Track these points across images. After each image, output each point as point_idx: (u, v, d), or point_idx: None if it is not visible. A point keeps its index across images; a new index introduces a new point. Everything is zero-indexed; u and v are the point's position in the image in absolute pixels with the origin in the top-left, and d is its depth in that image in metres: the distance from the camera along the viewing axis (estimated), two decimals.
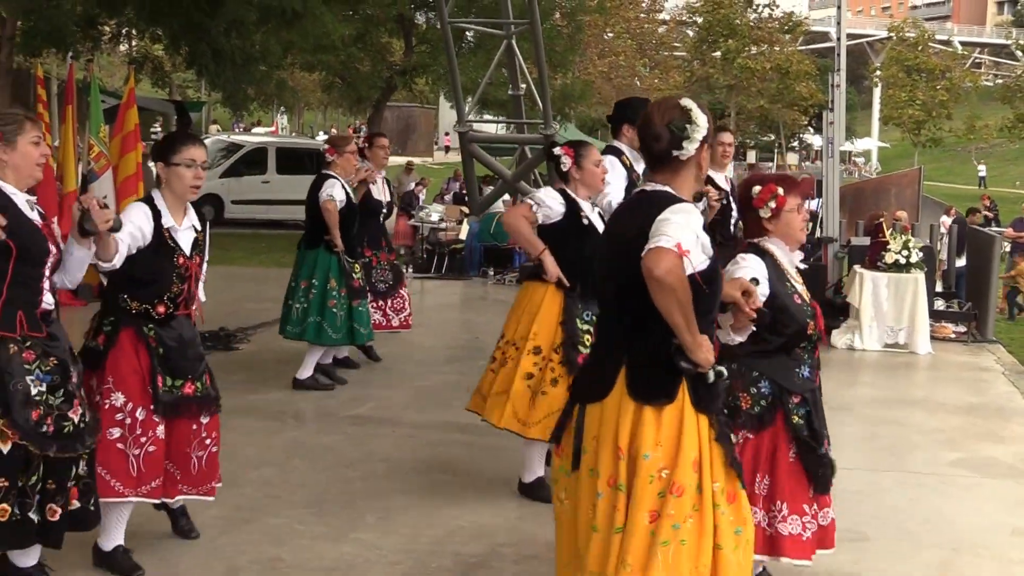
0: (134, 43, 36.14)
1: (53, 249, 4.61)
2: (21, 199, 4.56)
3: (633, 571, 3.60)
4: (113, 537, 5.19)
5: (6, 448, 4.34)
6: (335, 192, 8.79)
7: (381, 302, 9.67)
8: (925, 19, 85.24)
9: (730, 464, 3.78)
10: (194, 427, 5.25)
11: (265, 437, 7.62)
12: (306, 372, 9.09)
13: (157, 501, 5.27)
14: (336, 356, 9.66)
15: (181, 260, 5.20)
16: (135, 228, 5.02)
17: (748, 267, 4.59)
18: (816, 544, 4.82)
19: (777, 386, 4.69)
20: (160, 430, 5.10)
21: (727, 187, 8.48)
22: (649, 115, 3.84)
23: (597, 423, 3.77)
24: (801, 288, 4.81)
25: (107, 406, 5.03)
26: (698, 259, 3.66)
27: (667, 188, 3.84)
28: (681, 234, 3.58)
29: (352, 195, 8.98)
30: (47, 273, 4.59)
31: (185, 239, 5.26)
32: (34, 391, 4.40)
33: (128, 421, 5.04)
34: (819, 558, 5.73)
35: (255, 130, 52.56)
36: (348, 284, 8.89)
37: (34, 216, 4.58)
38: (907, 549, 5.99)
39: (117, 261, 4.89)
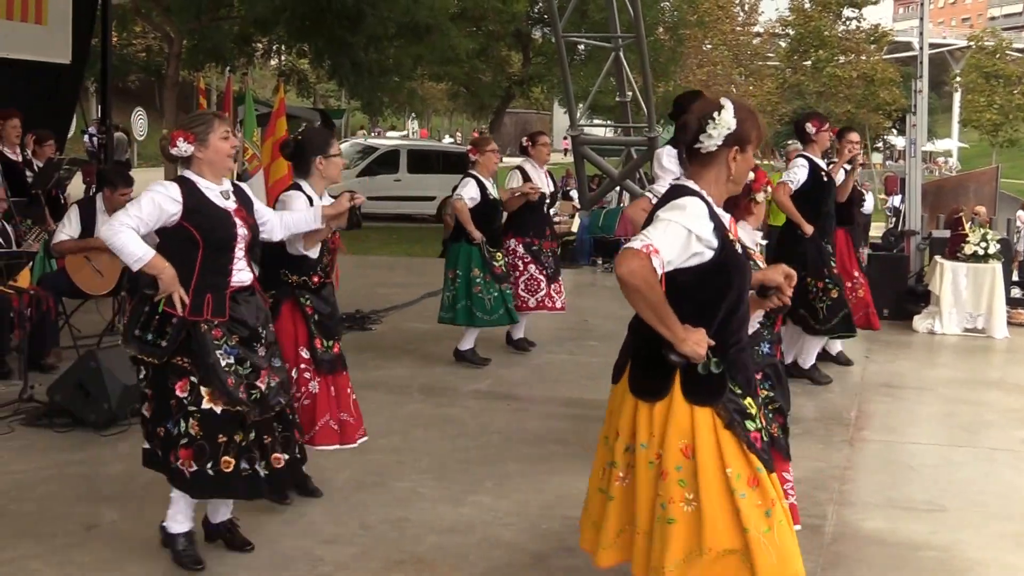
0: (283, 58, 36.75)
1: (243, 232, 4.65)
2: (215, 191, 4.61)
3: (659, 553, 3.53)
4: None
5: (219, 409, 4.48)
6: (466, 192, 8.76)
7: (554, 285, 9.56)
8: (1003, 29, 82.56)
9: (748, 449, 3.50)
10: (344, 376, 5.55)
11: (392, 408, 7.65)
12: (467, 345, 9.12)
13: (327, 447, 5.49)
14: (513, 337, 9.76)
15: (329, 235, 5.42)
16: (306, 215, 5.20)
17: None
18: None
19: None
20: (313, 386, 5.36)
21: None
22: (693, 108, 3.62)
23: (613, 402, 3.77)
24: (763, 265, 4.56)
25: None
26: (682, 256, 3.40)
27: (690, 183, 3.57)
28: (659, 234, 3.36)
29: (492, 191, 8.94)
30: (238, 255, 4.65)
31: None
32: (223, 363, 4.50)
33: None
34: (897, 526, 5.58)
35: (388, 134, 53.06)
36: (491, 271, 8.86)
37: (228, 204, 4.64)
38: (982, 520, 5.77)
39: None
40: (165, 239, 4.51)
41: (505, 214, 9.38)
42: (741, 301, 3.61)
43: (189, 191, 4.51)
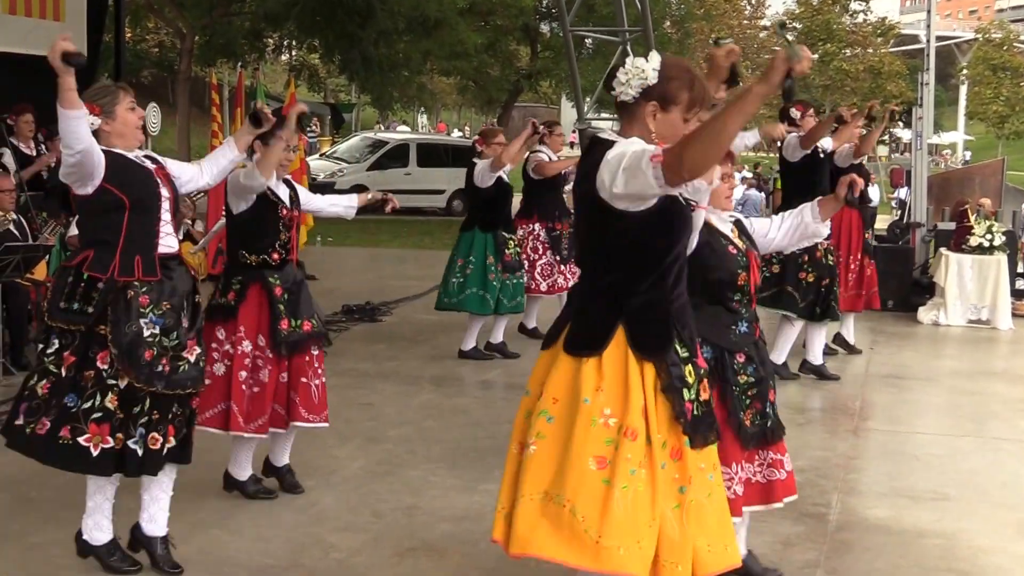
0: (294, 53, 36.83)
1: (166, 193, 4.52)
2: (133, 154, 4.47)
3: (588, 520, 3.19)
4: (245, 468, 5.48)
5: (123, 384, 4.31)
6: (485, 170, 8.65)
7: (564, 267, 9.63)
8: (1011, 21, 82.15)
9: (676, 418, 3.28)
10: (307, 359, 5.41)
11: (404, 399, 7.70)
12: (469, 344, 9.09)
13: (264, 436, 5.37)
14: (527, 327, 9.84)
15: (284, 211, 5.41)
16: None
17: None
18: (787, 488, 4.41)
19: (719, 348, 4.13)
20: (264, 374, 5.27)
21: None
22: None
23: (540, 370, 3.46)
24: (739, 242, 4.31)
25: (239, 352, 5.22)
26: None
27: (616, 138, 3.33)
28: (639, 146, 3.15)
29: (505, 176, 8.93)
30: (164, 217, 4.50)
31: (283, 194, 5.45)
32: (147, 332, 4.33)
33: (251, 366, 5.26)
34: (901, 515, 5.62)
35: (399, 128, 53.04)
36: (502, 260, 8.86)
37: (147, 164, 4.52)
38: (986, 510, 5.80)
39: (268, 183, 5.21)
40: (89, 206, 4.35)
41: (522, 198, 9.54)
42: (683, 254, 3.43)
43: (109, 154, 4.33)
